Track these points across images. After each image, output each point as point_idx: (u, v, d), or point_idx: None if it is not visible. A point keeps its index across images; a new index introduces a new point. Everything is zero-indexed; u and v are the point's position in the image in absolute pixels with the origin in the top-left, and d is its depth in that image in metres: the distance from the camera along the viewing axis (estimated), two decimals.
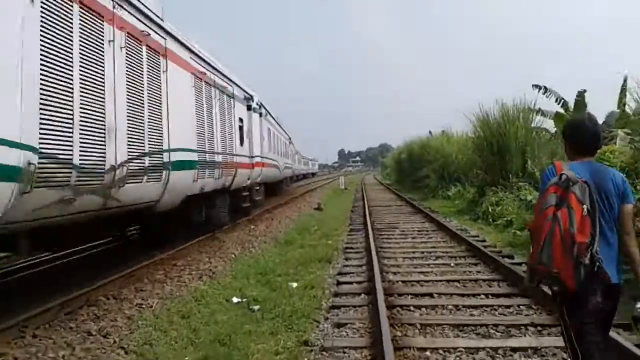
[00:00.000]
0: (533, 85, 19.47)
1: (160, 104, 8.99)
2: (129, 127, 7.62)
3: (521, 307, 6.13)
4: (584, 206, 2.67)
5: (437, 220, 14.67)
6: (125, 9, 7.72)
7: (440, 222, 14.17)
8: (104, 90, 6.87)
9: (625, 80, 17.40)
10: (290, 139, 36.89)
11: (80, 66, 6.27)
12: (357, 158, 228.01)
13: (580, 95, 18.65)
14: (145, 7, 8.51)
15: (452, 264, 8.96)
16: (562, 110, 19.29)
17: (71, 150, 5.99)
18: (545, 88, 19.16)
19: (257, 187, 18.55)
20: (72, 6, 6.16)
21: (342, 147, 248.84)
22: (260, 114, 19.37)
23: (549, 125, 19.04)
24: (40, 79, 5.41)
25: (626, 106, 17.74)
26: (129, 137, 7.58)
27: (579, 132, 3.06)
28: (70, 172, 6.00)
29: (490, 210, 15.02)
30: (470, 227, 14.07)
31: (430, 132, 38.92)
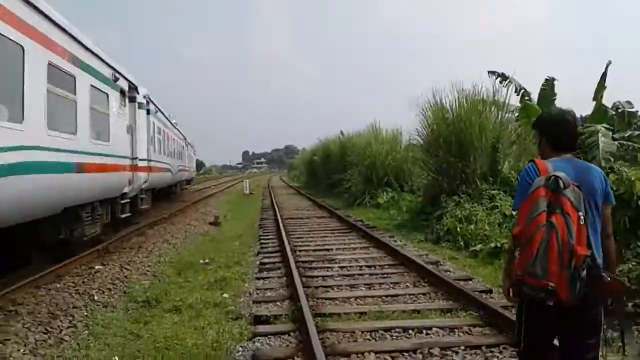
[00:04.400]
0: (489, 72, 15.59)
1: None
2: None
3: None
4: (580, 214, 2.43)
5: (387, 245, 9.99)
6: None
7: (393, 248, 9.51)
8: None
9: (607, 68, 14.02)
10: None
11: None
12: (262, 159, 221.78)
13: (549, 84, 15.02)
14: None
15: None
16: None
17: None
18: (504, 75, 15.33)
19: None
20: None
21: (246, 148, 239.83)
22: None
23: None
24: None
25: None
26: None
27: (561, 127, 2.81)
28: None
29: (458, 229, 10.63)
30: (439, 255, 9.55)
31: (341, 132, 34.73)
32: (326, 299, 6.44)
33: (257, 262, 9.15)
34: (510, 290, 2.72)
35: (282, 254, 9.57)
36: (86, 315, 5.88)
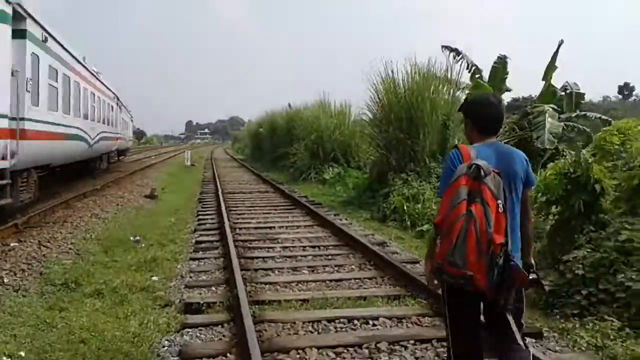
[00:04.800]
0: (442, 47, 15.29)
1: None
2: None
3: None
4: (499, 202, 2.44)
5: (332, 223, 9.57)
6: None
7: (338, 227, 9.11)
8: None
9: (558, 47, 14.04)
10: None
11: None
12: (206, 130, 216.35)
13: (500, 62, 14.92)
14: None
15: None
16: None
17: None
18: (457, 51, 15.08)
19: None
20: None
21: (190, 118, 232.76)
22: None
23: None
24: None
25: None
26: None
27: (485, 110, 2.83)
28: None
29: (405, 207, 10.35)
30: (385, 235, 9.24)
31: (289, 105, 33.95)
32: (266, 283, 5.94)
33: (193, 241, 8.52)
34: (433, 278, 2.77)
35: (221, 231, 8.96)
36: None
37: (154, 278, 6.26)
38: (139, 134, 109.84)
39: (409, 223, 9.96)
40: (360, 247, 7.62)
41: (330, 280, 6.09)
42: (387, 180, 12.32)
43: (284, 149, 25.12)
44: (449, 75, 13.14)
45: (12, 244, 7.54)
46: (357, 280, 6.11)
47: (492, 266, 2.39)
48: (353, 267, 6.77)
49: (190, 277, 6.28)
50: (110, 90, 22.46)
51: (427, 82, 12.54)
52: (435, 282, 2.76)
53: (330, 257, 7.33)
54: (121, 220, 10.60)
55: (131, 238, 8.62)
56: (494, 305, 2.57)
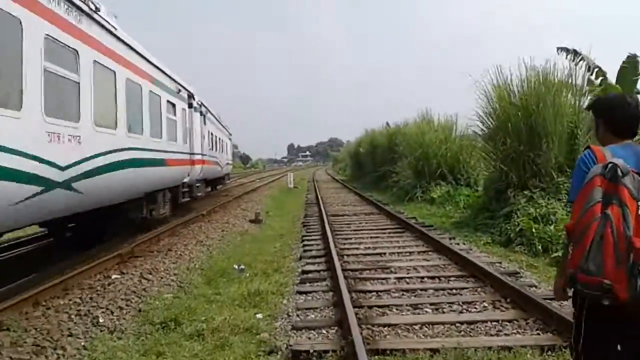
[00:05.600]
0: (558, 49, 13.68)
1: None
2: None
3: None
4: (639, 203, 2.17)
5: (449, 249, 8.50)
6: None
7: (457, 253, 8.03)
8: None
9: None
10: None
11: None
12: (307, 152, 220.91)
13: (630, 61, 13.01)
14: None
15: None
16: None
17: None
18: (575, 52, 13.39)
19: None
20: None
21: (292, 141, 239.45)
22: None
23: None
24: None
25: None
26: None
27: (622, 110, 2.56)
28: None
29: (533, 230, 9.01)
30: (514, 263, 8.00)
31: (387, 124, 33.02)
32: (384, 325, 5.08)
33: (299, 270, 7.90)
34: (565, 289, 2.47)
35: (328, 258, 8.29)
36: (83, 346, 4.74)
37: (259, 316, 5.66)
38: (244, 159, 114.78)
39: (540, 248, 8.62)
40: (490, 279, 6.51)
41: (461, 323, 5.09)
42: (506, 199, 10.97)
43: (385, 167, 24.21)
44: (572, 80, 11.55)
45: (113, 276, 7.37)
46: (494, 324, 5.06)
47: (633, 275, 2.10)
48: (485, 304, 5.71)
49: (298, 315, 5.60)
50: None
51: (546, 87, 11.05)
52: (564, 291, 2.46)
53: (454, 291, 6.31)
54: (226, 247, 10.33)
55: (235, 267, 8.19)
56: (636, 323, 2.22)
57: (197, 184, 17.79)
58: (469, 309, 5.57)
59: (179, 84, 14.82)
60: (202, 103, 18.88)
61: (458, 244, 9.75)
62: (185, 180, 14.98)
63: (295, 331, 5.07)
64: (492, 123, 12.38)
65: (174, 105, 13.93)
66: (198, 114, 17.95)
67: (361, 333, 4.64)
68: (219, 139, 25.90)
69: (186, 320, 5.54)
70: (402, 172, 20.98)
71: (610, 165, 2.26)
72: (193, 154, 16.15)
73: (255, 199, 22.82)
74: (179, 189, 14.73)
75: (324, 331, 5.02)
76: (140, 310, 5.96)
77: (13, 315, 5.40)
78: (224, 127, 29.14)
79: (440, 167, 18.65)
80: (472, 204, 14.03)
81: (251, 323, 5.37)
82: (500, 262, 8.00)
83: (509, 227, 9.83)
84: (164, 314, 5.74)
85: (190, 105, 16.38)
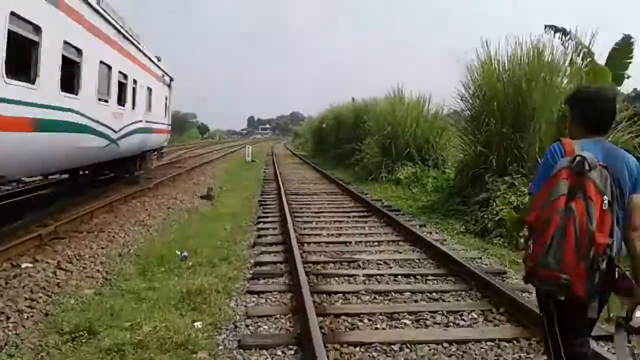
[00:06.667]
0: (546, 26, 12.75)
1: None
2: None
3: None
4: (605, 197, 2.14)
5: (422, 239, 7.56)
6: None
7: (432, 245, 7.10)
8: None
9: None
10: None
11: None
12: (267, 125, 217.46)
13: (624, 43, 12.24)
14: None
15: None
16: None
17: None
18: (564, 30, 12.50)
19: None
20: None
21: (252, 114, 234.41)
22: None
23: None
24: None
25: None
26: None
27: (598, 105, 2.50)
28: None
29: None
30: (495, 258, 7.11)
31: (353, 99, 31.90)
32: (355, 345, 4.03)
33: (252, 261, 6.75)
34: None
35: (286, 247, 7.20)
36: None
37: (197, 324, 4.49)
38: (202, 129, 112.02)
39: (522, 241, 7.77)
40: (475, 280, 5.57)
41: (450, 343, 4.09)
42: (483, 184, 10.12)
43: (350, 145, 23.16)
44: (564, 60, 10.69)
45: (23, 265, 5.98)
46: (489, 344, 4.08)
47: (592, 270, 2.07)
48: (474, 315, 4.74)
49: (247, 326, 4.46)
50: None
51: (540, 64, 10.12)
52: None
53: (436, 295, 5.31)
54: (169, 227, 9.06)
55: (177, 253, 6.98)
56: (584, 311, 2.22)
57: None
58: (457, 322, 4.58)
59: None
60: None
61: (430, 232, 8.83)
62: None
63: (242, 351, 3.94)
64: (475, 101, 11.43)
65: (161, 86, 18.17)
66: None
67: (327, 356, 3.57)
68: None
69: (104, 329, 4.34)
70: (368, 150, 19.96)
71: (578, 158, 2.21)
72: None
73: (209, 172, 21.39)
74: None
75: (279, 352, 3.92)
76: (47, 314, 4.69)
77: None
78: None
79: (409, 146, 17.71)
80: (441, 187, 13.17)
81: (187, 335, 4.19)
82: (480, 258, 7.09)
83: (485, 216, 8.98)
84: (77, 319, 4.50)
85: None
